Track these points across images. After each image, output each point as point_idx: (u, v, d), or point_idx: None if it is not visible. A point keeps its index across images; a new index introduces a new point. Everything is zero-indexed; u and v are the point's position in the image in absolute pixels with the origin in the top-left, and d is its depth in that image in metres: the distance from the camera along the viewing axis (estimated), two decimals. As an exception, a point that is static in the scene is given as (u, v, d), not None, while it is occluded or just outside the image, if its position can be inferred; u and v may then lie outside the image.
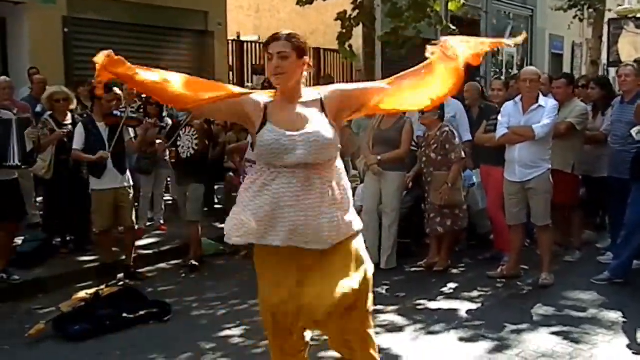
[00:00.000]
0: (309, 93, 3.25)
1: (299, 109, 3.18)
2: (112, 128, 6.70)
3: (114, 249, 7.01)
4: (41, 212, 8.22)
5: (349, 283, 3.13)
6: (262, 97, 3.26)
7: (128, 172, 6.90)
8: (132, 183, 6.95)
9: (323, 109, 3.19)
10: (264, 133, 3.13)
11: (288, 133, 3.10)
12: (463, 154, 7.10)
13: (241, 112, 3.23)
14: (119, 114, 6.93)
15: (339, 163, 3.28)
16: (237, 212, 3.20)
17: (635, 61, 11.72)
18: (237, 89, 3.36)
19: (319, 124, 3.14)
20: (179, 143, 7.19)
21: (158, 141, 7.52)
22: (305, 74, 3.25)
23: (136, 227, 7.15)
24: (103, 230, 6.76)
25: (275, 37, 3.17)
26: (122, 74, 3.10)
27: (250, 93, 3.32)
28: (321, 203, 3.12)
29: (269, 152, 3.10)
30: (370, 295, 3.30)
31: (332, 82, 11.62)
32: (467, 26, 18.80)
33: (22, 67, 10.56)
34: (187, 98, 3.16)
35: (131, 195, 6.91)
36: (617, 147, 6.91)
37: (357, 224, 3.34)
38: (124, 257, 6.93)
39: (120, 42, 11.61)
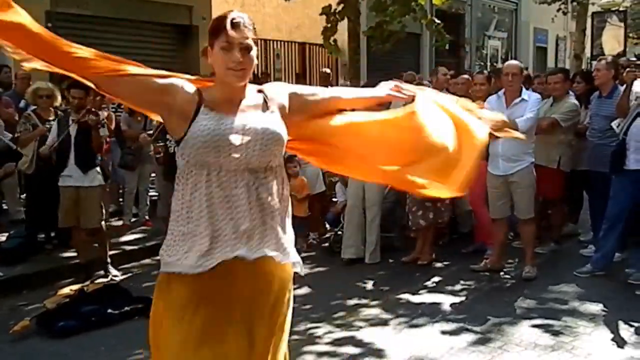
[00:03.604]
0: (251, 91, 2.67)
1: (243, 111, 2.60)
2: (80, 124, 6.54)
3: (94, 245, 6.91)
4: (25, 208, 8.18)
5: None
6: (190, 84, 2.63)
7: (98, 171, 6.66)
8: (103, 183, 6.80)
9: (267, 108, 2.64)
10: (199, 120, 2.51)
11: (230, 119, 2.54)
12: None
13: (165, 97, 2.55)
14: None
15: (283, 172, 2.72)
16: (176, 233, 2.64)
17: (617, 54, 11.82)
18: (161, 72, 2.64)
19: (267, 120, 2.60)
20: (167, 137, 7.19)
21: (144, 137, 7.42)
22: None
23: (104, 226, 6.95)
24: (64, 227, 6.67)
25: (236, 22, 2.53)
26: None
27: (179, 76, 2.65)
28: (264, 214, 2.57)
29: (204, 145, 2.48)
30: None
31: (329, 78, 11.64)
32: (452, 20, 18.90)
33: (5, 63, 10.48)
34: (88, 63, 2.50)
35: (100, 195, 6.76)
36: (595, 140, 6.97)
37: (295, 255, 2.74)
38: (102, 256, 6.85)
39: (104, 37, 11.59)
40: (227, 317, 2.54)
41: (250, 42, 2.54)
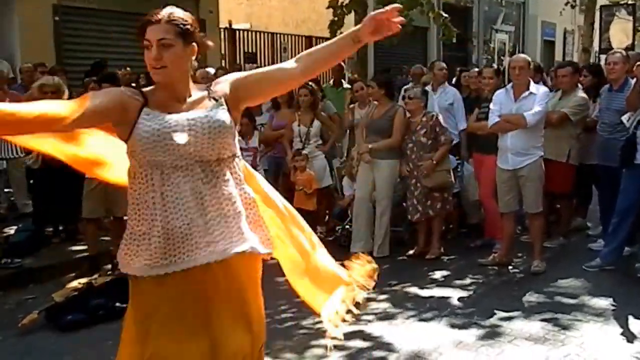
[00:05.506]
0: (198, 89, 2.71)
1: (188, 108, 2.62)
2: None
3: (101, 238, 6.90)
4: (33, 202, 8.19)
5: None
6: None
7: None
8: None
9: (213, 100, 2.66)
10: (141, 121, 2.53)
11: (174, 117, 2.56)
12: (452, 137, 7.17)
13: (117, 102, 2.54)
14: None
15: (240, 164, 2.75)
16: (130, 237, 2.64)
17: (626, 48, 11.74)
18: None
19: (212, 113, 2.61)
20: None
21: None
22: (194, 64, 2.69)
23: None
24: (90, 217, 6.69)
25: (153, 20, 2.60)
26: None
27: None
28: (221, 210, 2.59)
29: (149, 145, 2.50)
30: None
31: (342, 71, 11.52)
32: (459, 13, 18.83)
33: (13, 56, 10.50)
34: (58, 114, 2.40)
35: None
36: (605, 134, 6.91)
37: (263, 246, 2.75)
38: (111, 248, 6.86)
39: (110, 31, 11.59)
40: (187, 324, 2.60)
41: (168, 39, 2.54)
